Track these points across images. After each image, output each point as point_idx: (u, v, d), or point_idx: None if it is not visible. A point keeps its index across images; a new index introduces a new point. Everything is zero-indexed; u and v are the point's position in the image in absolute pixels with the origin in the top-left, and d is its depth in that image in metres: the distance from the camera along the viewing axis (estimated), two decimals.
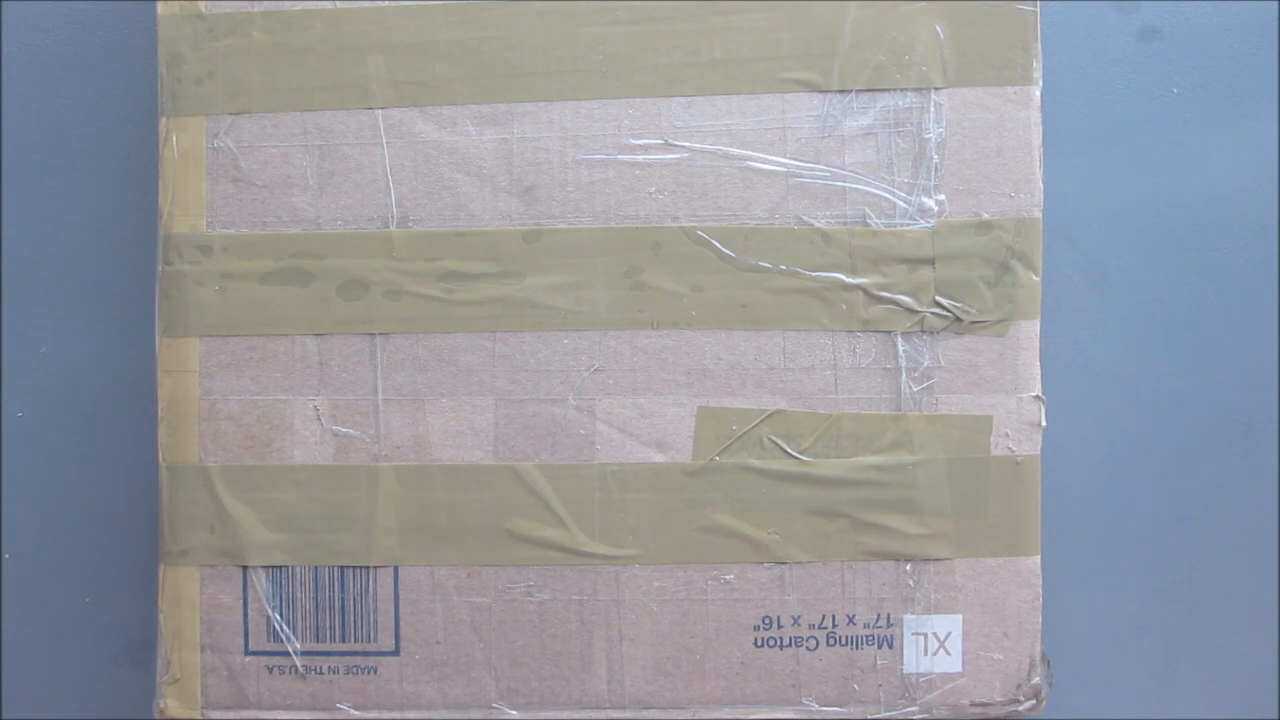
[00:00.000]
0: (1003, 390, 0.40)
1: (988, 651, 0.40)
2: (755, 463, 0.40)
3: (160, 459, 0.41)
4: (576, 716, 0.41)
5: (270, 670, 0.41)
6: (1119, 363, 0.47)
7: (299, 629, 0.41)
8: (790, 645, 0.40)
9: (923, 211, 0.40)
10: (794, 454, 0.40)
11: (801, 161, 0.40)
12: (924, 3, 0.39)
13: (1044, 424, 0.40)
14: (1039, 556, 0.40)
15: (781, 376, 0.40)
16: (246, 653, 0.41)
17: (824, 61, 0.40)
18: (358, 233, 0.40)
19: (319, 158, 0.41)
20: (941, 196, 0.40)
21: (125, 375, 0.47)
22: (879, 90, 0.40)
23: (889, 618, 0.40)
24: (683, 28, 0.40)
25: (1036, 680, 0.40)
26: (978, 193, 0.40)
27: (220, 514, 0.40)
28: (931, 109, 0.40)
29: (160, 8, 0.40)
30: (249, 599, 0.41)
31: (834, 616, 0.40)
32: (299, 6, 0.40)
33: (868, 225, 0.40)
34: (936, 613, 0.40)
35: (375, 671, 0.41)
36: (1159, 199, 0.47)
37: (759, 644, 0.40)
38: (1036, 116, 0.40)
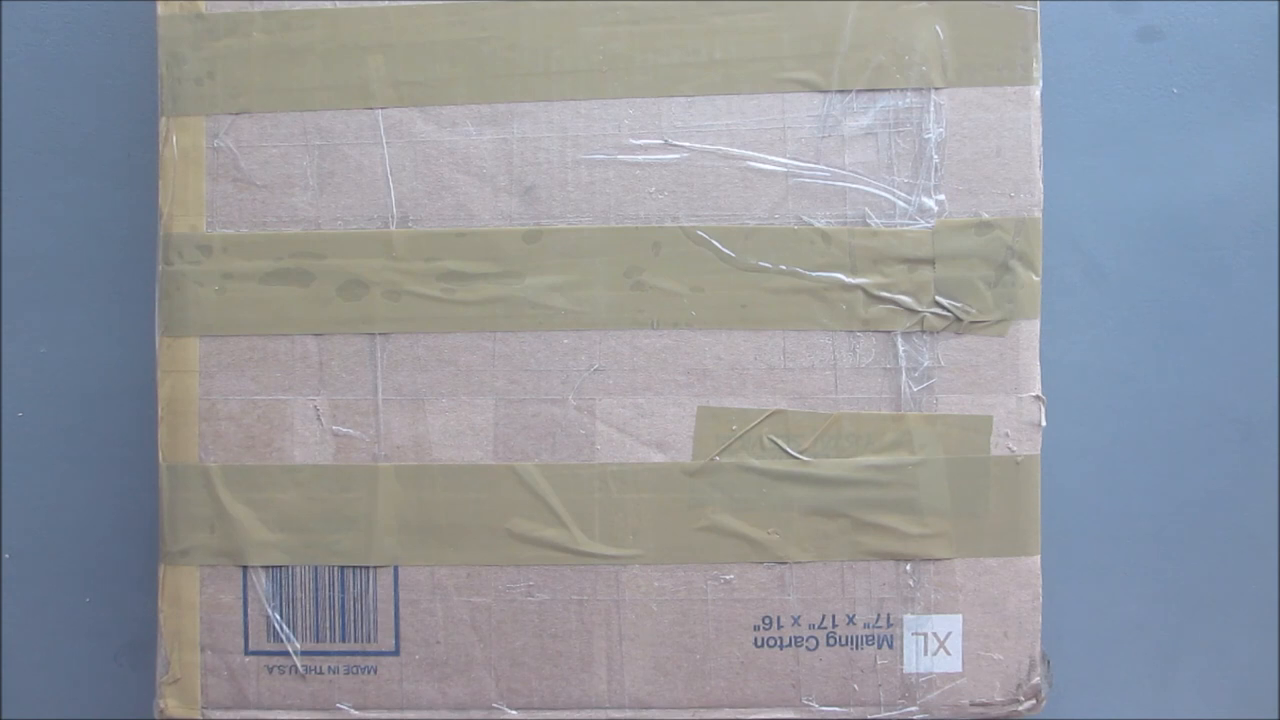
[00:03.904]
0: (1003, 390, 0.40)
1: (988, 651, 0.40)
2: (755, 463, 0.40)
3: (160, 459, 0.41)
4: (576, 716, 0.41)
5: (270, 670, 0.41)
6: (1119, 363, 0.47)
7: (299, 629, 0.41)
8: (790, 645, 0.40)
9: (923, 211, 0.40)
10: (794, 454, 0.40)
11: (801, 161, 0.40)
12: (924, 3, 0.39)
13: (1044, 424, 0.40)
14: (1039, 556, 0.40)
15: (781, 376, 0.40)
16: (246, 653, 0.41)
17: (824, 61, 0.40)
18: (358, 233, 0.40)
19: (319, 158, 0.41)
20: (941, 196, 0.40)
21: (125, 375, 0.47)
22: (879, 90, 0.40)
23: (889, 618, 0.40)
24: (683, 28, 0.40)
25: (1036, 680, 0.40)
26: (978, 193, 0.40)
27: (220, 514, 0.40)
28: (931, 109, 0.40)
29: (160, 8, 0.40)
30: (249, 599, 0.41)
31: (834, 616, 0.40)
32: (299, 6, 0.40)
33: (868, 225, 0.40)
34: (936, 613, 0.40)
35: (375, 671, 0.41)
36: (1159, 199, 0.47)
37: (759, 644, 0.40)
38: (1036, 116, 0.40)
